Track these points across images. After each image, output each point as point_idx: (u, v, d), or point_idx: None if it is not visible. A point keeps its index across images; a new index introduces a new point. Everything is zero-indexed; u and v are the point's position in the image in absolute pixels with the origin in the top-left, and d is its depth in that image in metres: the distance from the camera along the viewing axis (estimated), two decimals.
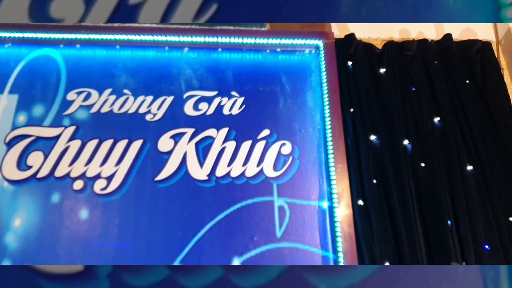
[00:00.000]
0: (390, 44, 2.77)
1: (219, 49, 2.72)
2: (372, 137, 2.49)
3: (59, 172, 2.33)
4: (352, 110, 2.56)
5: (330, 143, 2.46)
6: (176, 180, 2.39)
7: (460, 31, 2.94)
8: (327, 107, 2.56)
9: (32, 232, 2.21)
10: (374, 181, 2.39)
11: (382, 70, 2.68)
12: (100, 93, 2.53)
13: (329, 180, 2.40)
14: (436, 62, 2.73)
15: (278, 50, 2.74)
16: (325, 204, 2.37)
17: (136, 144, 2.43)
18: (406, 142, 2.50)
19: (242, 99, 2.60)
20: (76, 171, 2.34)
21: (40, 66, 2.59)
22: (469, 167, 2.46)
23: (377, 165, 2.44)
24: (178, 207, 2.33)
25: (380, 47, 2.77)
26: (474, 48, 2.81)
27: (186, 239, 2.26)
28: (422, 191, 2.39)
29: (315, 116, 2.59)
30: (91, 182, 2.33)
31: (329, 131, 2.50)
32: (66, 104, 2.49)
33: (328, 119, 2.53)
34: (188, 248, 2.23)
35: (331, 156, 2.44)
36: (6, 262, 2.13)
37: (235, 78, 2.66)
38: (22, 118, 2.44)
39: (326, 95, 2.58)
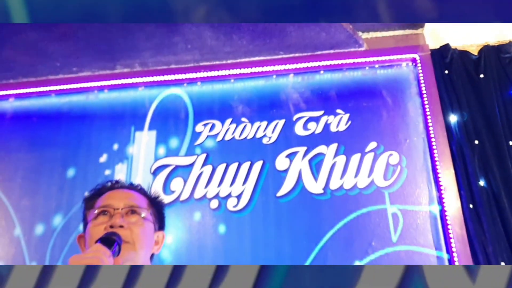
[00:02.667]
0: (486, 49, 2.87)
1: (321, 72, 2.99)
2: (476, 142, 2.62)
3: (197, 194, 2.74)
4: (454, 116, 2.71)
5: (435, 150, 2.64)
6: (295, 195, 2.70)
7: None
8: (429, 116, 2.73)
9: (181, 247, 2.64)
10: (482, 183, 2.53)
11: (480, 76, 2.79)
12: (222, 123, 2.91)
13: (438, 185, 2.58)
14: None
15: (376, 66, 2.95)
16: (435, 209, 2.55)
17: (257, 165, 2.78)
18: (510, 143, 2.60)
19: (347, 115, 2.85)
20: (211, 192, 2.73)
21: (170, 104, 3.04)
22: None
23: (483, 168, 2.57)
24: (299, 219, 2.64)
25: (475, 53, 2.88)
26: None
27: (310, 247, 2.56)
28: None
29: (418, 125, 2.77)
30: (225, 201, 2.71)
31: (433, 138, 2.67)
32: (196, 135, 2.90)
33: (431, 127, 2.70)
34: (313, 255, 2.53)
35: (437, 162, 2.61)
36: None
37: (339, 97, 2.92)
38: (161, 150, 2.90)
39: (427, 105, 2.75)
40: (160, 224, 1.47)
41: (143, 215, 1.36)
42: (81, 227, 1.43)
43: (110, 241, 1.18)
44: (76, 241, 1.44)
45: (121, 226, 1.27)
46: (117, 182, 1.49)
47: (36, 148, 2.99)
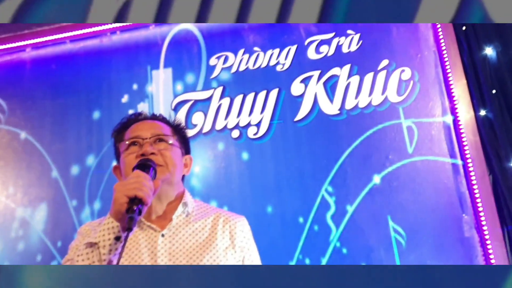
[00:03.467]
0: None
1: None
2: (487, 50, 2.65)
3: (218, 126, 2.86)
4: (464, 27, 2.72)
5: (447, 63, 2.68)
6: (312, 118, 2.80)
7: None
8: (439, 28, 2.75)
9: (209, 174, 2.80)
10: (494, 91, 2.59)
11: None
12: (235, 54, 2.97)
13: (450, 96, 2.64)
14: None
15: None
16: (449, 119, 2.64)
17: (274, 93, 2.86)
18: None
19: (358, 35, 2.87)
20: (231, 122, 2.85)
21: (181, 39, 3.09)
22: None
23: (495, 76, 2.62)
24: (318, 140, 2.75)
25: None
26: None
27: (331, 165, 2.69)
28: None
29: (428, 39, 2.79)
30: (245, 130, 2.83)
31: (444, 51, 2.71)
32: (210, 69, 2.97)
33: (441, 40, 2.73)
34: (333, 172, 2.68)
35: (449, 74, 2.66)
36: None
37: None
38: (179, 87, 2.99)
39: None
40: (186, 148, 1.53)
41: (170, 142, 1.43)
42: (114, 163, 1.52)
43: (146, 166, 1.28)
44: (111, 175, 1.53)
45: (152, 153, 1.36)
46: (140, 114, 1.54)
47: (59, 94, 3.11)
